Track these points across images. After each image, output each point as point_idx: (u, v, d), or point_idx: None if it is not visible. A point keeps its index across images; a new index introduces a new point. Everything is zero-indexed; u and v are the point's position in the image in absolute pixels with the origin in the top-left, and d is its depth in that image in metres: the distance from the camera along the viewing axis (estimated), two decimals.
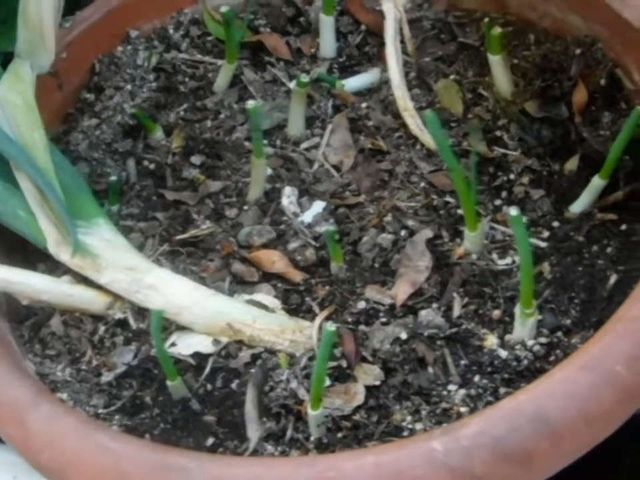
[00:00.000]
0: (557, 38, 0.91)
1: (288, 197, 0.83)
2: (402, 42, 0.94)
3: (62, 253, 0.75)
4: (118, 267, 0.75)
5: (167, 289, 0.74)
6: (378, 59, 0.97)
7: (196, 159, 0.88)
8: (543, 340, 0.70)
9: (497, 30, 0.86)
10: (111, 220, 0.81)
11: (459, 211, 0.79)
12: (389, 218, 0.80)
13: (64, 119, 0.93)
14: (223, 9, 0.87)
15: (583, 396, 0.58)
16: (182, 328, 0.74)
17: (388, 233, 0.79)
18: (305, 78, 0.85)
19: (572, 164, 0.82)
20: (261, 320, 0.73)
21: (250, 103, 0.76)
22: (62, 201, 0.74)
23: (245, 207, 0.84)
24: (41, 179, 0.75)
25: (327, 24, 0.96)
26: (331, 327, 0.61)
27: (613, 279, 0.73)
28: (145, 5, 0.98)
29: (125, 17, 0.97)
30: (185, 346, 0.73)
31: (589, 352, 0.60)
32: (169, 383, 0.69)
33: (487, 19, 0.89)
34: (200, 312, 0.73)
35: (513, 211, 0.63)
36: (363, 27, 0.99)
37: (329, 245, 0.75)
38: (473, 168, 0.72)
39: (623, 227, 0.76)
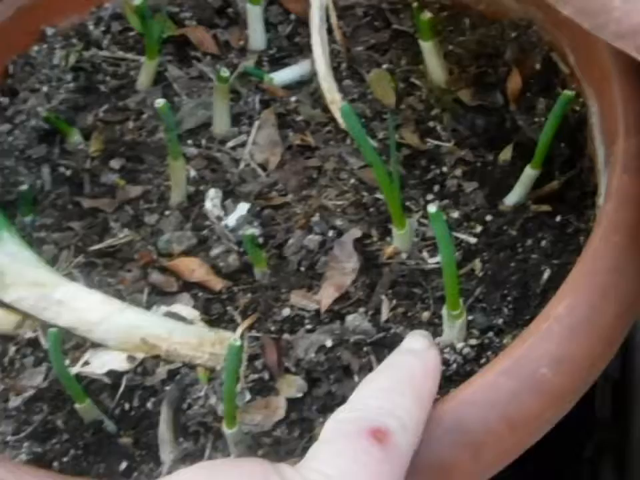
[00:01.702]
0: (492, 22, 0.87)
1: (212, 200, 0.79)
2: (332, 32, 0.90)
3: None
4: (23, 283, 0.70)
5: (77, 305, 0.69)
6: (309, 49, 0.92)
7: (115, 163, 0.84)
8: (473, 341, 0.66)
9: (427, 14, 0.82)
10: (24, 232, 0.77)
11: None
12: (316, 218, 0.76)
13: None
14: (136, 2, 0.83)
15: (505, 402, 0.55)
16: (97, 345, 0.70)
17: (315, 234, 0.75)
18: (225, 73, 0.81)
19: (506, 154, 0.78)
20: (177, 333, 0.69)
21: (158, 102, 0.72)
22: None
23: (167, 213, 0.79)
24: None
25: (254, 14, 0.92)
26: (235, 342, 0.57)
27: (547, 273, 0.69)
28: (61, 0, 0.93)
29: (40, 14, 0.92)
30: (98, 364, 0.69)
31: (512, 355, 0.57)
32: (77, 406, 0.65)
33: (416, 4, 0.84)
34: (112, 327, 0.69)
35: (431, 208, 0.59)
36: (292, 17, 0.95)
37: (249, 250, 0.71)
38: (393, 161, 0.68)
39: (558, 218, 0.73)
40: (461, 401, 0.55)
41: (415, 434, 0.54)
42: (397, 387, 0.56)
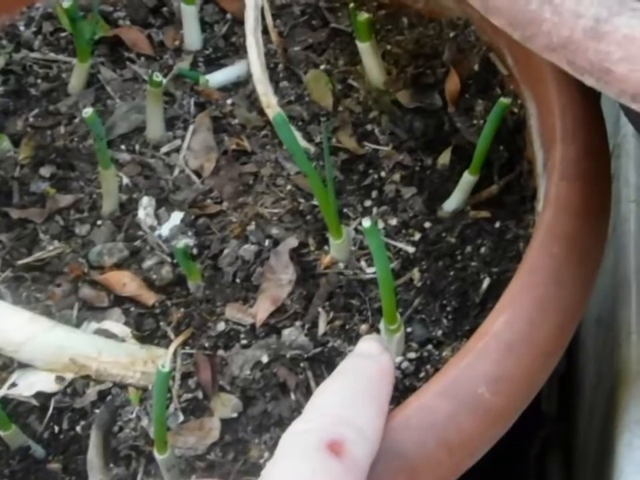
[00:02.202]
0: (430, 21, 0.86)
1: (144, 209, 0.77)
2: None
3: None
4: None
5: (1, 324, 0.67)
6: (245, 50, 0.90)
7: (45, 171, 0.81)
8: (412, 355, 0.65)
9: (364, 15, 0.80)
10: None
11: None
12: (252, 227, 0.74)
13: None
14: (66, 4, 0.80)
15: (443, 424, 0.53)
16: (24, 365, 0.68)
17: (251, 244, 0.73)
18: (157, 77, 0.79)
19: (444, 158, 0.76)
20: (107, 352, 0.66)
21: (85, 111, 0.70)
22: None
23: (98, 223, 0.77)
24: None
25: (189, 14, 0.90)
26: (163, 368, 0.55)
27: (486, 282, 0.68)
28: None
29: None
30: (26, 386, 0.67)
31: (448, 375, 0.55)
32: (1, 433, 0.63)
33: (353, 4, 0.82)
34: (39, 347, 0.66)
35: (366, 222, 0.57)
36: (229, 16, 0.93)
37: (182, 262, 0.69)
38: (328, 170, 0.66)
39: (497, 224, 0.71)
40: (398, 424, 0.53)
41: (375, 441, 0.52)
42: (354, 393, 0.54)
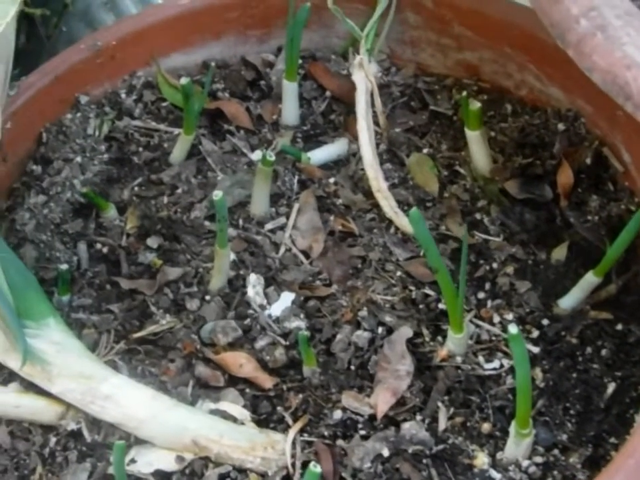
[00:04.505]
0: (535, 109, 0.86)
1: (254, 287, 0.77)
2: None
3: (10, 360, 0.69)
4: (70, 375, 0.68)
5: (124, 400, 0.67)
6: (344, 128, 0.91)
7: (152, 242, 0.81)
8: (538, 459, 0.65)
9: (476, 104, 0.81)
10: (62, 312, 0.75)
11: (440, 305, 0.74)
12: (364, 312, 0.74)
13: (9, 194, 0.86)
14: (183, 81, 0.81)
15: None
16: (142, 441, 0.67)
17: (364, 330, 0.73)
18: (271, 156, 0.79)
19: (559, 253, 0.76)
20: (228, 435, 0.66)
21: (216, 194, 0.70)
22: (10, 304, 0.67)
23: (207, 298, 0.77)
24: None
25: (290, 90, 0.90)
26: (315, 467, 0.55)
27: (611, 387, 0.68)
28: (94, 68, 0.91)
29: (74, 82, 0.90)
30: (145, 463, 0.66)
31: None
32: None
33: (464, 93, 0.83)
34: (160, 426, 0.66)
35: (512, 329, 0.57)
36: (327, 93, 0.93)
37: (302, 349, 0.69)
38: (462, 269, 0.66)
39: (619, 326, 0.71)
40: None
41: None
42: None
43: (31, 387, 0.70)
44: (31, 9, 1.02)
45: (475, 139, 0.83)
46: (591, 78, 0.57)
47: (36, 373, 0.68)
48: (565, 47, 0.59)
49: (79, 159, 0.86)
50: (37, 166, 0.86)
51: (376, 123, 0.88)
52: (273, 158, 0.79)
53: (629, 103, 0.54)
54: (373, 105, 0.88)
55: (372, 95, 0.88)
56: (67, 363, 0.68)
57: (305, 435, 0.68)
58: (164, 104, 0.93)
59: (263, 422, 0.69)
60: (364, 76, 0.87)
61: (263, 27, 0.95)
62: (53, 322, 0.70)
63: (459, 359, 0.71)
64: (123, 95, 0.93)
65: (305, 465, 0.66)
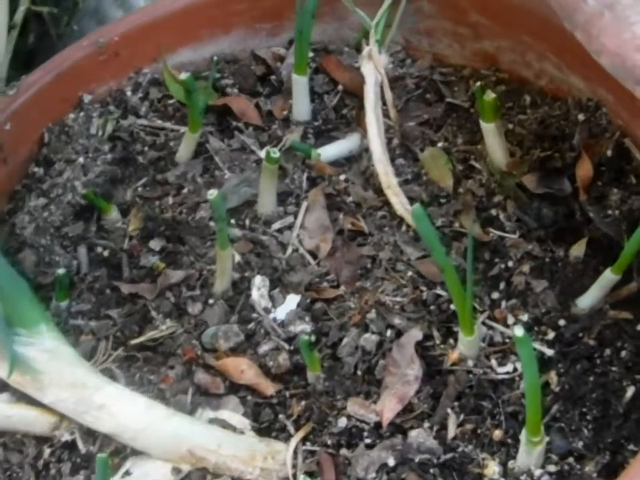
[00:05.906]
0: (555, 99, 0.82)
1: (258, 289, 0.74)
2: (383, 105, 0.85)
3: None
4: (62, 383, 0.65)
5: (118, 410, 0.64)
6: (357, 123, 0.87)
7: (155, 244, 0.79)
8: (551, 468, 0.61)
9: (491, 95, 0.77)
10: (59, 318, 0.73)
11: (452, 306, 0.70)
12: (372, 314, 0.71)
13: (10, 197, 0.84)
14: (183, 76, 0.78)
15: None
16: (138, 452, 0.65)
17: (372, 333, 0.70)
18: (275, 153, 0.76)
19: (578, 250, 0.72)
20: (226, 445, 0.63)
21: (211, 193, 0.67)
22: None
23: (210, 301, 0.74)
24: None
25: (300, 84, 0.87)
26: None
27: (630, 391, 0.64)
28: (99, 66, 0.88)
29: (77, 80, 0.87)
30: (140, 475, 0.64)
31: None
32: None
33: (479, 83, 0.79)
34: (156, 436, 0.64)
35: (518, 331, 0.53)
36: (340, 87, 0.90)
37: (304, 354, 0.66)
38: (469, 267, 0.62)
39: (639, 327, 0.67)
40: None
41: None
42: None
43: (24, 397, 0.67)
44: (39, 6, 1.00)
45: (490, 131, 0.79)
46: (600, 62, 0.53)
47: (26, 382, 0.66)
48: (573, 30, 0.56)
49: (81, 159, 0.84)
50: (39, 168, 0.84)
51: (388, 117, 0.85)
52: (277, 155, 0.76)
53: (638, 88, 0.50)
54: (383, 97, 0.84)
55: (382, 87, 0.84)
56: (59, 371, 0.66)
57: (308, 443, 0.65)
58: (170, 101, 0.91)
59: (264, 430, 0.66)
60: (373, 67, 0.83)
61: (273, 19, 0.93)
62: (45, 328, 0.67)
63: (470, 363, 0.67)
64: (129, 93, 0.90)
65: (307, 475, 0.63)
